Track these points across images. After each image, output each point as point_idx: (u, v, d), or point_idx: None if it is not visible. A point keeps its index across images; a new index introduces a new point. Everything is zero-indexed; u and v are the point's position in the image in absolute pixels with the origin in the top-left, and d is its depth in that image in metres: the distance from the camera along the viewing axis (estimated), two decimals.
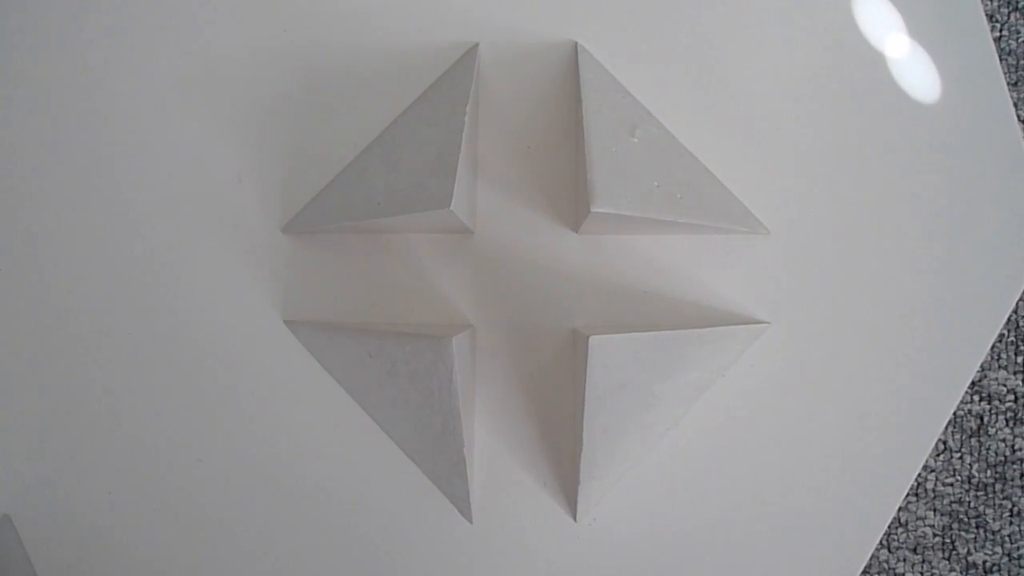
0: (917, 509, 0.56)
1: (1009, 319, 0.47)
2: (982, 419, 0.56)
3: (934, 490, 0.55)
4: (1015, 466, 0.55)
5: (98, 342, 0.38)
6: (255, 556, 0.39)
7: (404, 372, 0.35)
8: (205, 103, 0.38)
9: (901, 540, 0.56)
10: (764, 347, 0.38)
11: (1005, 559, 0.55)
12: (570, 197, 0.38)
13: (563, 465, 0.38)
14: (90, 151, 0.38)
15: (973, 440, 0.56)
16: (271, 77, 0.38)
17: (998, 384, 0.56)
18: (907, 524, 0.56)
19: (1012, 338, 0.55)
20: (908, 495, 0.54)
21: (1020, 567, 0.55)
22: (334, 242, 0.38)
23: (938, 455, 0.55)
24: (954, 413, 0.42)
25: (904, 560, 0.56)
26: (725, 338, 0.37)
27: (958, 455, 0.55)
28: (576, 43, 0.37)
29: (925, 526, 0.55)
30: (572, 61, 0.38)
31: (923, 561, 0.56)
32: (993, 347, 0.53)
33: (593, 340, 0.32)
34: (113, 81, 0.38)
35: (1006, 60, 0.54)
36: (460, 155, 0.32)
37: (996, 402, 0.55)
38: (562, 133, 0.38)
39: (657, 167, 0.35)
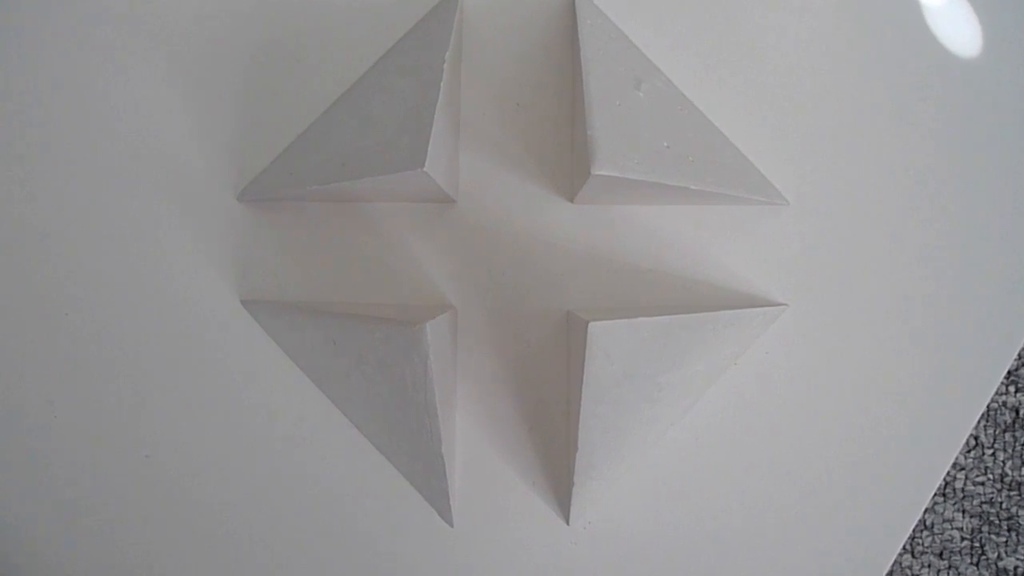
0: (944, 510, 0.54)
1: None
2: (1017, 412, 0.53)
3: (963, 490, 0.53)
4: None
5: (26, 326, 0.36)
6: (211, 563, 0.36)
7: (372, 361, 0.31)
8: (148, 52, 0.36)
9: (926, 544, 0.54)
10: (780, 331, 0.35)
11: None
12: (565, 161, 0.35)
13: (555, 462, 0.35)
14: (21, 111, 0.36)
15: (1007, 435, 0.53)
16: (225, 23, 0.36)
17: None
18: (933, 527, 0.54)
19: None
20: (935, 495, 0.52)
21: None
22: (297, 211, 0.35)
23: (968, 451, 0.53)
24: (987, 405, 0.40)
25: (929, 566, 0.54)
26: (739, 322, 0.33)
27: (990, 451, 0.53)
28: None
29: (953, 529, 0.53)
30: (569, 5, 0.35)
31: (950, 567, 0.54)
32: None
33: (593, 327, 0.29)
34: (45, 33, 0.36)
35: None
36: (437, 109, 0.29)
37: None
38: (557, 87, 0.35)
39: (666, 125, 0.32)
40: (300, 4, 0.35)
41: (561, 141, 0.35)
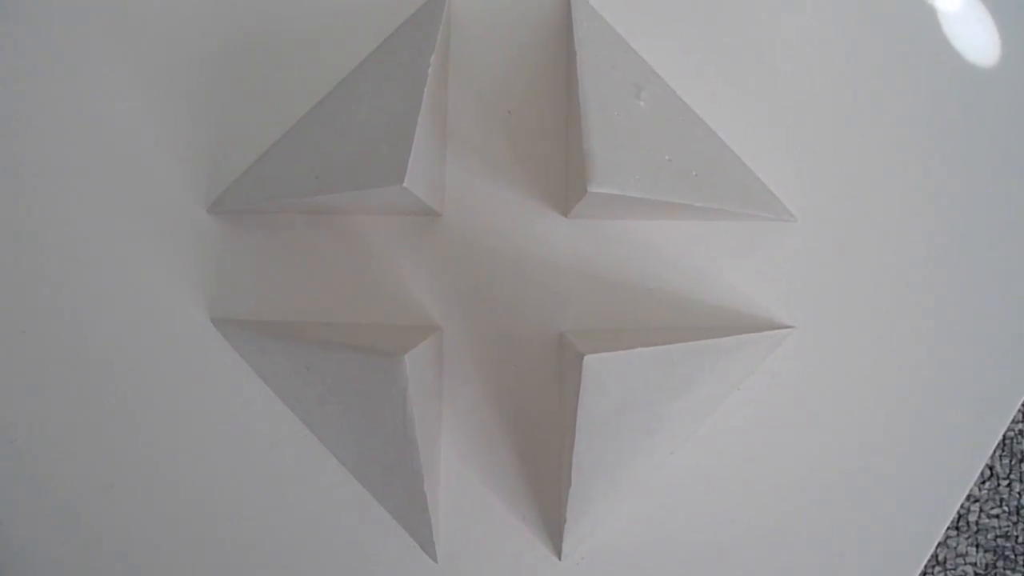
0: (958, 544, 0.52)
1: None
2: None
3: (977, 523, 0.52)
4: None
5: None
6: None
7: (347, 392, 0.30)
8: (111, 53, 0.34)
9: None
10: (786, 354, 0.34)
11: None
12: (559, 172, 0.34)
13: (546, 493, 0.34)
14: None
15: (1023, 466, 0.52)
16: (196, 22, 0.34)
17: None
18: (946, 562, 0.52)
19: None
20: (948, 529, 0.51)
21: None
22: (272, 224, 0.34)
23: (983, 482, 0.52)
24: (1003, 434, 0.39)
25: None
26: (744, 348, 0.32)
27: (1006, 483, 0.52)
28: None
29: (966, 564, 0.52)
30: (563, 6, 0.34)
31: None
32: None
33: (589, 360, 0.28)
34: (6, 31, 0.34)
35: None
36: (420, 116, 0.28)
37: None
38: (551, 93, 0.34)
39: (668, 137, 0.30)
40: (277, 4, 0.34)
41: (555, 151, 0.34)
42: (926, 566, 0.47)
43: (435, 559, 0.33)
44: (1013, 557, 0.52)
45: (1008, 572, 0.53)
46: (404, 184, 0.27)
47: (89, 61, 0.34)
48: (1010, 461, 0.52)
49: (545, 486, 0.34)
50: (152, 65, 0.34)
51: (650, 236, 0.34)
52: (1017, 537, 0.52)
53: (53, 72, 0.34)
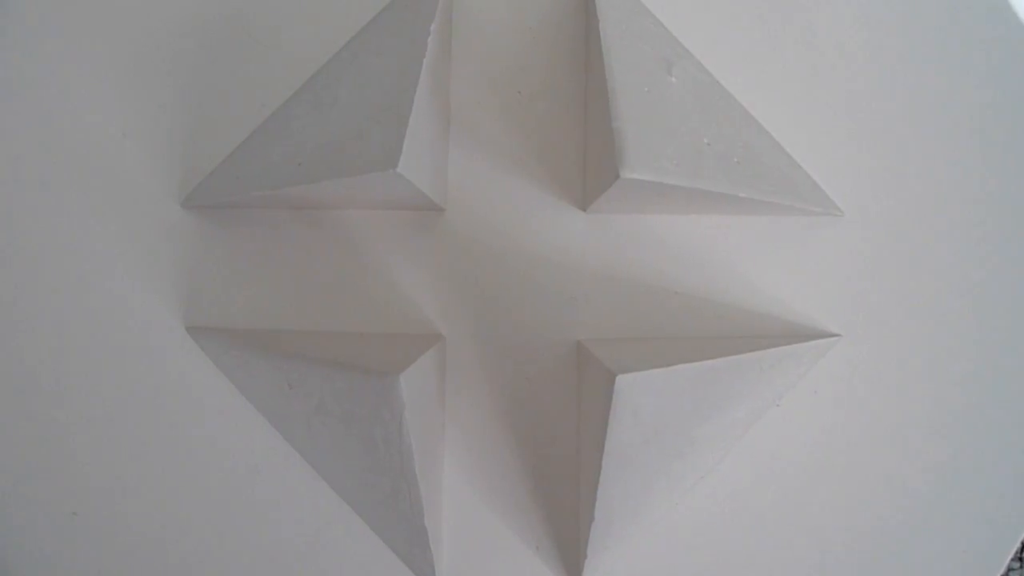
0: None
1: None
2: None
3: None
4: None
5: None
6: None
7: (336, 413, 0.28)
8: (74, 33, 0.33)
9: None
10: (831, 366, 0.32)
11: None
12: (577, 163, 0.32)
13: (562, 522, 0.32)
14: None
15: None
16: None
17: None
18: None
19: None
20: (1010, 565, 0.46)
21: None
22: (253, 221, 0.32)
23: None
24: None
25: None
26: (788, 360, 0.30)
27: None
28: None
29: None
30: None
31: None
32: None
33: (621, 381, 0.25)
34: None
35: None
36: (417, 93, 0.25)
37: None
38: (568, 72, 0.32)
39: (705, 119, 0.28)
40: None
41: (572, 137, 0.33)
42: None
43: None
44: None
45: None
46: (398, 169, 0.24)
47: (54, 48, 0.33)
48: None
49: (561, 513, 0.32)
50: (121, 49, 0.33)
51: (677, 233, 0.32)
52: None
53: (12, 58, 0.33)
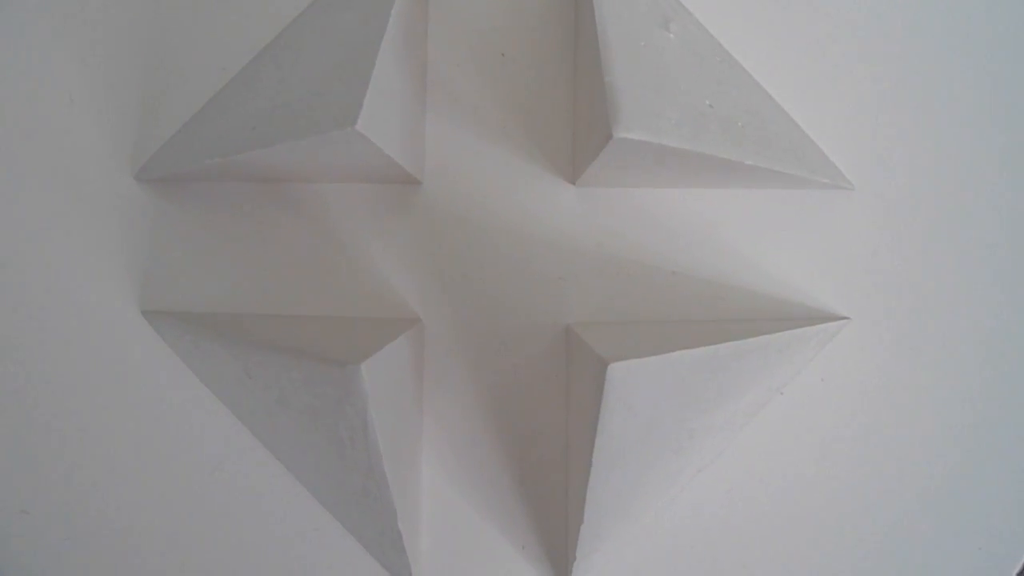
0: None
1: None
2: None
3: None
4: None
5: None
6: None
7: (297, 406, 0.26)
8: None
9: None
10: (839, 351, 0.31)
11: None
12: (565, 131, 0.31)
13: (549, 520, 0.31)
14: None
15: None
16: None
17: None
18: None
19: None
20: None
21: None
22: (213, 195, 0.31)
23: None
24: None
25: None
26: (795, 345, 0.28)
27: None
28: None
29: None
30: None
31: None
32: None
33: (614, 370, 0.23)
34: None
35: None
36: (382, 49, 0.23)
37: None
38: (554, 31, 0.31)
39: (706, 79, 0.26)
40: None
41: (560, 103, 0.32)
42: None
43: None
44: None
45: None
46: (357, 127, 0.22)
47: None
48: None
49: (548, 511, 0.31)
50: (70, 9, 0.32)
51: (674, 208, 0.31)
52: None
53: None
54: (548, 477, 0.31)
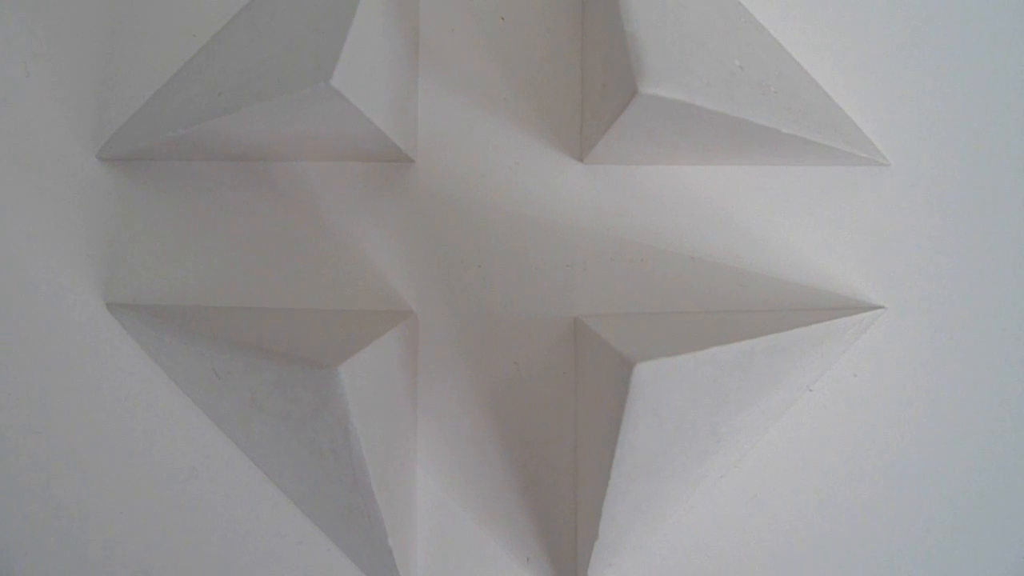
0: None
1: None
2: None
3: None
4: None
5: None
6: None
7: (272, 410, 0.24)
8: None
9: None
10: (873, 343, 0.30)
11: None
12: (572, 101, 0.30)
13: (556, 530, 0.30)
14: None
15: None
16: None
17: None
18: None
19: None
20: None
21: None
22: (184, 175, 0.30)
23: None
24: None
25: None
26: (829, 338, 0.26)
27: None
28: None
29: None
30: None
31: None
32: None
33: (641, 371, 0.21)
34: None
35: None
36: (360, 5, 0.21)
37: None
38: None
39: (735, 40, 0.24)
40: None
41: (567, 71, 0.30)
42: None
43: None
44: None
45: None
46: (332, 83, 0.20)
47: None
48: None
49: (555, 520, 0.30)
50: None
51: (692, 187, 0.30)
52: None
53: None
54: (555, 484, 0.30)
